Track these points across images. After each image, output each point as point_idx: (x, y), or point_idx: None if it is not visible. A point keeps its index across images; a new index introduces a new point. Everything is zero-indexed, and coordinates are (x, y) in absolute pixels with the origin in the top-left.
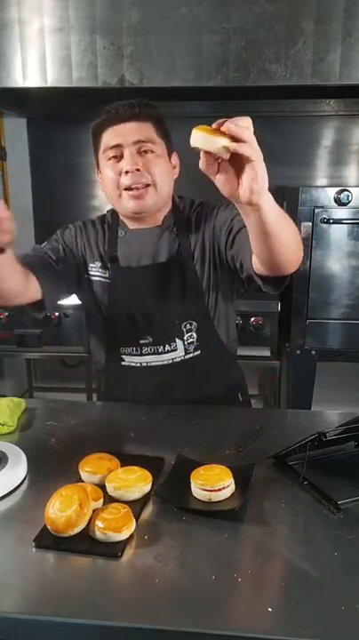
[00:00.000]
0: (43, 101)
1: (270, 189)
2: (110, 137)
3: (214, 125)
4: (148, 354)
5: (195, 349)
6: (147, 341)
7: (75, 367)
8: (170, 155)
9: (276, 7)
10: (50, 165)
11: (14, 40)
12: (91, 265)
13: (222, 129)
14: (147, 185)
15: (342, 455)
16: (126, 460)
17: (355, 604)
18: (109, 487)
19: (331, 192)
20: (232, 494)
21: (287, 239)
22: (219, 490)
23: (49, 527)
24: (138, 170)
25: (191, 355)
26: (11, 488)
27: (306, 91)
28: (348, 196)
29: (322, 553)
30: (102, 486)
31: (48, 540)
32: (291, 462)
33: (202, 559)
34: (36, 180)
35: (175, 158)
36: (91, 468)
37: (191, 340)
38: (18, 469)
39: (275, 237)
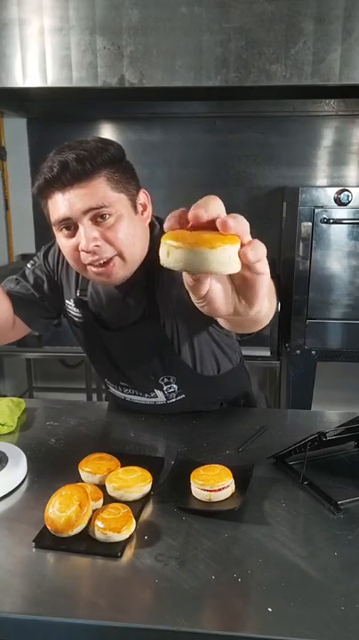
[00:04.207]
0: (43, 101)
1: (270, 189)
2: (56, 208)
3: (193, 223)
4: (129, 394)
5: (178, 395)
6: (126, 385)
7: (75, 367)
8: (135, 199)
9: (276, 7)
10: None
11: (14, 40)
12: (67, 301)
13: (225, 229)
14: (114, 256)
15: (342, 455)
16: (126, 460)
17: (355, 604)
18: (109, 487)
19: (331, 192)
20: (232, 494)
21: (268, 320)
22: (219, 490)
23: (49, 527)
24: (97, 246)
25: (174, 400)
26: (12, 488)
27: (306, 91)
28: (348, 196)
29: (322, 553)
30: (102, 486)
31: (48, 540)
32: (291, 462)
33: (202, 559)
34: None
35: (143, 197)
36: (91, 468)
37: (171, 389)
38: (18, 469)
39: (259, 324)
